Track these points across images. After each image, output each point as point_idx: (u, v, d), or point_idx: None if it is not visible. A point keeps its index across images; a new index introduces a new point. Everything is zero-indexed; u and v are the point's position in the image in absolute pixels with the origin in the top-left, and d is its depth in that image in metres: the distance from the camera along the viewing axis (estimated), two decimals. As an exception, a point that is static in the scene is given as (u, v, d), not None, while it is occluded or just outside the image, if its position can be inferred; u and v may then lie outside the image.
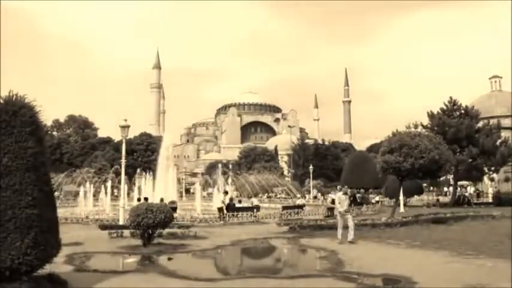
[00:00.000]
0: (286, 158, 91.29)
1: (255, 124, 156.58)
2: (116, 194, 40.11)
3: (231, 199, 24.01)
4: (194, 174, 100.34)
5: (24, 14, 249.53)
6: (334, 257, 10.63)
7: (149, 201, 16.95)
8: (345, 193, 14.20)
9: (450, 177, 42.09)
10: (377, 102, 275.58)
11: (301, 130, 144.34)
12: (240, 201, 25.33)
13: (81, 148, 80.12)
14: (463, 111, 36.00)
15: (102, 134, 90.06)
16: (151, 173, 36.89)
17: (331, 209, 24.25)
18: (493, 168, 36.41)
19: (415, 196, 39.36)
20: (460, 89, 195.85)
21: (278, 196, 49.44)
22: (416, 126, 33.20)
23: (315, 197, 46.54)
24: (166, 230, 13.54)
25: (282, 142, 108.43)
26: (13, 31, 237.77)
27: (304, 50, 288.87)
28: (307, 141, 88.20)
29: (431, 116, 35.83)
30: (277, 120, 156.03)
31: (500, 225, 16.92)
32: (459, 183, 40.32)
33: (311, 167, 51.64)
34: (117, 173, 42.03)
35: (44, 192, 6.59)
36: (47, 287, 6.60)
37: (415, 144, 18.85)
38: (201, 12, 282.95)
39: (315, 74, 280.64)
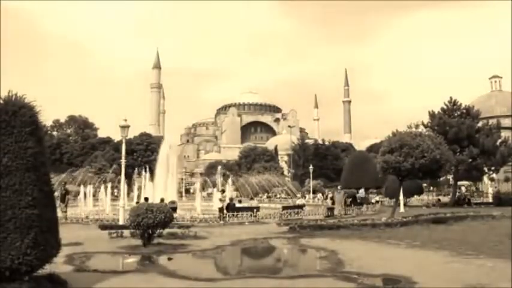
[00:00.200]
0: (286, 158, 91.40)
1: (255, 124, 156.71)
2: (115, 194, 40.08)
3: (231, 199, 24.02)
4: (194, 174, 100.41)
5: (24, 14, 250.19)
6: (334, 257, 10.61)
7: (149, 201, 16.97)
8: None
9: (450, 177, 42.04)
10: (377, 102, 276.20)
11: (301, 130, 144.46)
12: (240, 201, 25.34)
13: (81, 148, 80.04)
14: (464, 111, 35.95)
15: (102, 134, 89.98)
16: (147, 172, 36.89)
17: (331, 209, 24.33)
18: (493, 168, 36.37)
19: (415, 196, 39.35)
20: (460, 89, 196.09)
21: (278, 196, 49.44)
22: (417, 126, 33.20)
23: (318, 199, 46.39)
24: (166, 230, 13.51)
25: (282, 142, 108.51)
26: (13, 31, 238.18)
27: (304, 50, 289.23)
28: (307, 141, 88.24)
29: (432, 115, 35.82)
30: (277, 120, 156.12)
31: (500, 225, 16.89)
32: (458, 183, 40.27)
33: (311, 167, 51.66)
34: (117, 173, 41.96)
35: (44, 192, 6.58)
36: (47, 287, 6.59)
37: (417, 144, 18.84)
38: (201, 12, 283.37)
39: (315, 74, 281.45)
